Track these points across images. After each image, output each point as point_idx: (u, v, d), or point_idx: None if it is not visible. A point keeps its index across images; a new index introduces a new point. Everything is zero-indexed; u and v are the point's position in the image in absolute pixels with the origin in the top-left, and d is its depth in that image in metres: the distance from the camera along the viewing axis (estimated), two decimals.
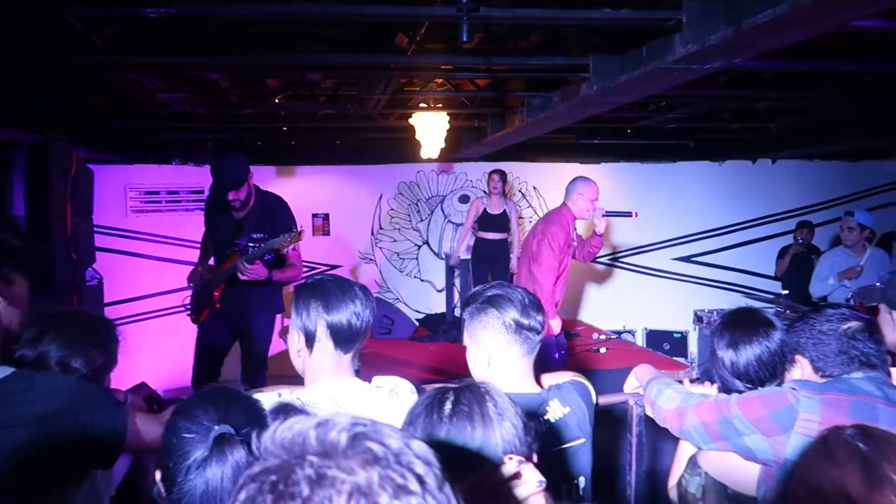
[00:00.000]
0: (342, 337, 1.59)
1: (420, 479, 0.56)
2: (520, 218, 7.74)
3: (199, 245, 4.28)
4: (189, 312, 4.01)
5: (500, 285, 1.72)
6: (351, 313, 1.57)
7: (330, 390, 1.57)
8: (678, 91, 4.33)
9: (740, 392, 1.71)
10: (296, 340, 1.62)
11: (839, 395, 1.50)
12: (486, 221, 6.49)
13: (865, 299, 2.39)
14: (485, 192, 6.78)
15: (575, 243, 4.36)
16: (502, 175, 6.49)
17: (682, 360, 7.01)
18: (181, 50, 3.50)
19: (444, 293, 7.38)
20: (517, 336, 1.61)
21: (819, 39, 3.35)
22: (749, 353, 1.72)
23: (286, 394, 1.52)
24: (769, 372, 1.71)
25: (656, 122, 5.96)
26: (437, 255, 7.61)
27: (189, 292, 4.08)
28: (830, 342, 1.62)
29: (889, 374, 1.63)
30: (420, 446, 0.59)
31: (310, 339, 1.59)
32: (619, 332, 7.34)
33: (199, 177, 6.85)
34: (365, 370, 5.45)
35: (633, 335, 7.63)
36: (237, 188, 3.59)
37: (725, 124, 6.20)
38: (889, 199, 8.13)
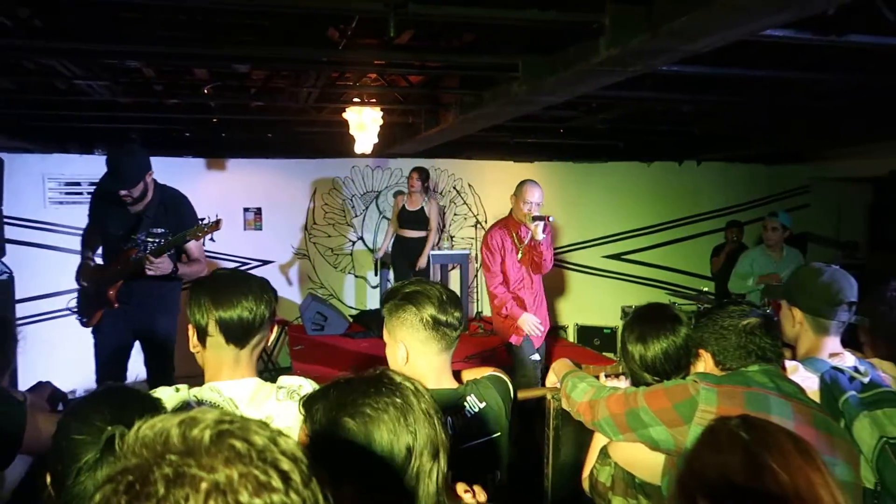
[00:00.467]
0: (233, 332, 1.56)
1: (284, 476, 0.56)
2: (453, 216, 7.80)
3: None
4: (78, 315, 3.73)
5: (418, 281, 1.73)
6: (242, 308, 1.55)
7: (229, 388, 1.55)
8: (607, 92, 4.45)
9: (648, 384, 1.78)
10: (191, 336, 1.61)
11: (735, 387, 1.58)
12: (403, 218, 6.47)
13: (771, 296, 2.52)
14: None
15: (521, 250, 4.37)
16: (421, 172, 6.47)
17: (611, 355, 7.21)
18: (98, 36, 3.35)
19: (378, 289, 7.36)
20: (434, 332, 1.63)
21: (738, 46, 3.51)
22: (657, 347, 1.79)
23: (184, 390, 1.49)
24: (675, 365, 1.78)
25: (587, 122, 6.09)
26: (371, 251, 7.57)
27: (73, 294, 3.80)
28: (731, 337, 1.70)
29: (783, 367, 1.72)
30: (287, 442, 0.59)
31: (201, 334, 1.58)
32: (553, 328, 7.49)
33: None
34: (297, 366, 5.38)
35: (565, 331, 7.80)
36: (131, 187, 3.40)
37: (653, 126, 6.40)
38: (802, 202, 8.58)
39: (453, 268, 7.24)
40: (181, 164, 6.93)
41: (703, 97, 4.99)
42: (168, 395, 1.40)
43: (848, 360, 1.92)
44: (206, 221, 3.46)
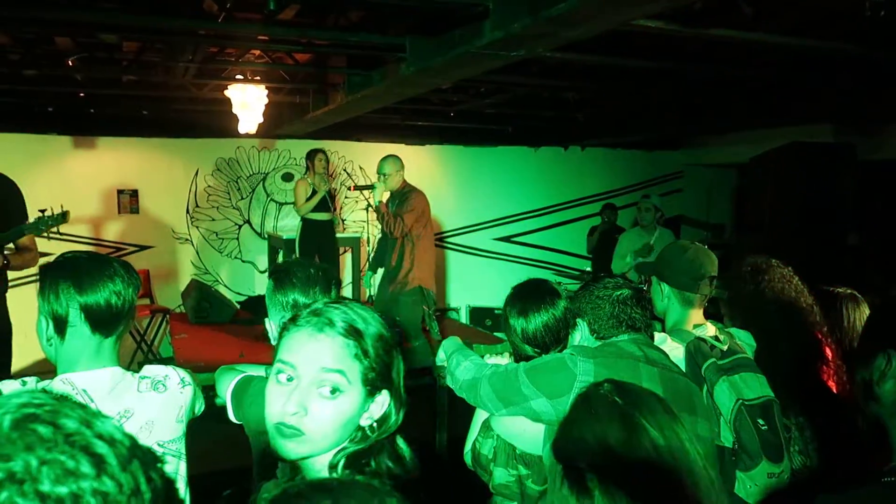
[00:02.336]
0: (101, 319, 1.44)
1: (97, 461, 0.52)
2: (344, 199, 7.67)
3: None
4: None
5: (294, 263, 1.70)
6: (110, 292, 1.43)
7: (83, 380, 1.43)
8: (494, 77, 4.53)
9: (530, 357, 1.83)
10: (45, 328, 1.44)
11: (608, 358, 1.66)
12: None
13: (642, 272, 2.66)
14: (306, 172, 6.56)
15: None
16: (326, 155, 6.33)
17: (501, 335, 7.40)
18: None
19: (266, 274, 7.14)
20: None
21: (618, 37, 3.67)
22: (538, 320, 1.85)
23: (32, 383, 1.37)
24: (554, 337, 1.85)
25: (477, 106, 6.17)
26: (259, 234, 7.32)
27: None
28: (605, 306, 1.79)
29: (652, 337, 1.83)
30: (105, 425, 0.55)
31: (60, 325, 1.43)
32: (443, 310, 7.59)
33: None
34: (180, 356, 5.13)
35: (458, 312, 7.92)
36: None
37: (540, 112, 6.58)
38: (677, 186, 9.15)
39: (345, 251, 7.14)
40: (43, 142, 6.38)
41: (585, 85, 5.19)
42: (12, 390, 1.27)
43: (710, 330, 2.07)
44: (48, 214, 3.12)
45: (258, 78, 4.96)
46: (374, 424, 1.04)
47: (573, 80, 5.04)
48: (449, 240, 8.26)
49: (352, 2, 3.48)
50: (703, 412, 1.64)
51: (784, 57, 4.32)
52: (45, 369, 1.53)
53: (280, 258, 6.61)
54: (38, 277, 1.46)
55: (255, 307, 6.29)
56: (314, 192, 6.14)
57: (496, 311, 7.99)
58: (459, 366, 1.90)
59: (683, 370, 1.87)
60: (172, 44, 4.03)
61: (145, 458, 0.57)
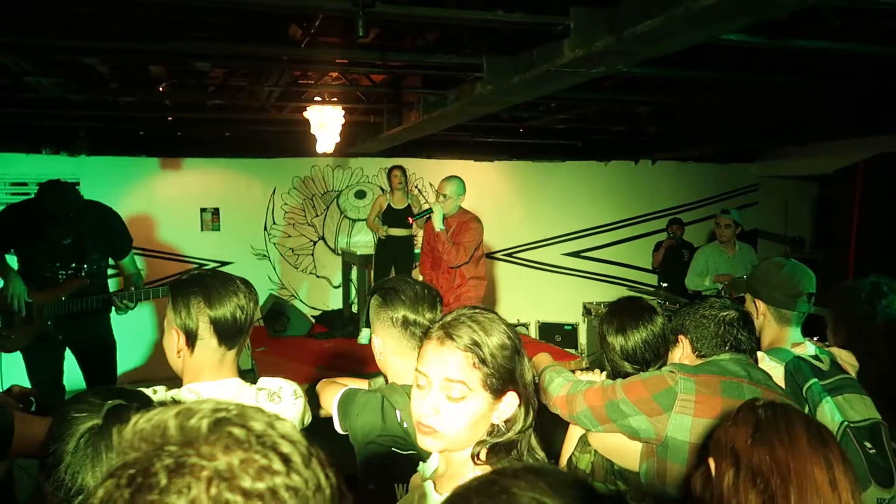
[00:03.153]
0: (227, 332, 1.52)
1: (285, 459, 0.56)
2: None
3: None
4: None
5: (397, 279, 1.75)
6: (235, 307, 1.52)
7: (209, 390, 1.52)
8: (567, 93, 4.53)
9: (628, 373, 1.83)
10: (175, 341, 1.53)
11: (710, 377, 1.64)
12: (391, 217, 6.32)
13: (734, 290, 2.61)
14: (382, 188, 6.74)
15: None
16: (403, 170, 6.45)
17: (572, 350, 7.32)
18: (49, 30, 3.24)
19: (340, 289, 7.31)
20: (404, 331, 1.66)
21: (693, 49, 3.62)
22: (637, 337, 1.85)
23: (161, 391, 1.47)
24: (654, 353, 1.85)
25: (547, 121, 6.18)
26: (333, 250, 7.51)
27: None
28: (710, 325, 1.78)
29: (756, 361, 1.80)
30: (285, 426, 0.60)
31: (190, 338, 1.51)
32: (513, 326, 7.54)
33: (73, 167, 6.41)
34: (261, 368, 5.30)
35: (527, 328, 7.88)
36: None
37: (610, 126, 6.53)
38: (752, 200, 8.87)
39: (416, 266, 7.24)
40: (134, 164, 6.76)
41: (659, 98, 5.12)
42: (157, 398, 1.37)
43: (809, 349, 2.01)
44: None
45: (335, 99, 5.12)
46: (507, 421, 1.15)
47: (647, 94, 4.99)
48: (518, 255, 8.25)
49: (430, 24, 3.56)
50: None
51: (871, 66, 4.16)
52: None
53: (353, 274, 6.76)
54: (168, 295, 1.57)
55: (330, 321, 6.45)
56: (388, 208, 6.29)
57: (566, 327, 7.91)
58: (552, 382, 1.91)
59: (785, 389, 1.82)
60: (258, 69, 4.22)
61: (321, 458, 0.61)
